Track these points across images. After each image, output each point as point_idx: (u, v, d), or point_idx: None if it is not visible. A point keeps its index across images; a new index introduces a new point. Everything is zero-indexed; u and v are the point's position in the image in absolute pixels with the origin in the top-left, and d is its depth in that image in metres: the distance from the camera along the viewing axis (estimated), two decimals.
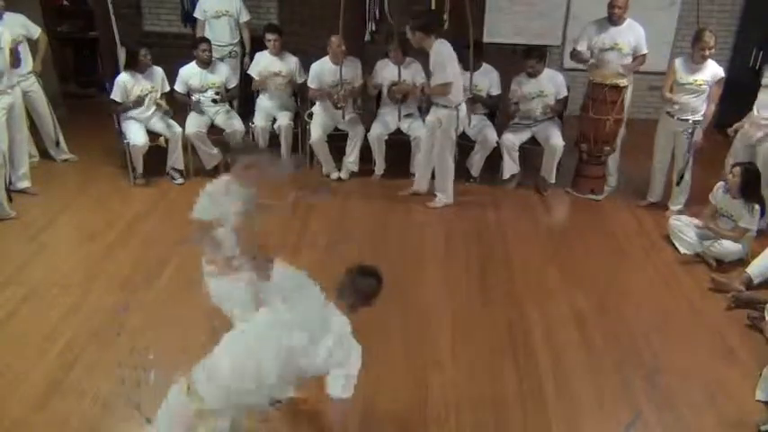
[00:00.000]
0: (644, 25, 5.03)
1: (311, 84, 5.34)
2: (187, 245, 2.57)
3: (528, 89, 5.18)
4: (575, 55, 5.24)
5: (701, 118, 4.72)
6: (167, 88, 5.27)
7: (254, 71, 5.52)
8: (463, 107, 4.78)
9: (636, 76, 5.25)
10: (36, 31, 5.23)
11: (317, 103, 5.44)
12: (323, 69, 5.29)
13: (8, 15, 4.95)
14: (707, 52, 4.55)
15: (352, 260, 4.25)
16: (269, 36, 5.39)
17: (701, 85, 4.62)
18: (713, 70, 4.62)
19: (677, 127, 4.77)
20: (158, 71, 5.20)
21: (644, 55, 5.04)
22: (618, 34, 4.99)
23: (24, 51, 5.05)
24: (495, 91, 5.37)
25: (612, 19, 4.97)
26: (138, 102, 5.05)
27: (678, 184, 4.91)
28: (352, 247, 4.32)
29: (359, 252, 4.33)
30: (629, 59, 5.02)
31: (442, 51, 4.51)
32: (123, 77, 5.04)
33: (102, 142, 5.74)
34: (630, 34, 4.98)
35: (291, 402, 2.61)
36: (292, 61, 5.52)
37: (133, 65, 5.05)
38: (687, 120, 4.72)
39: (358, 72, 5.37)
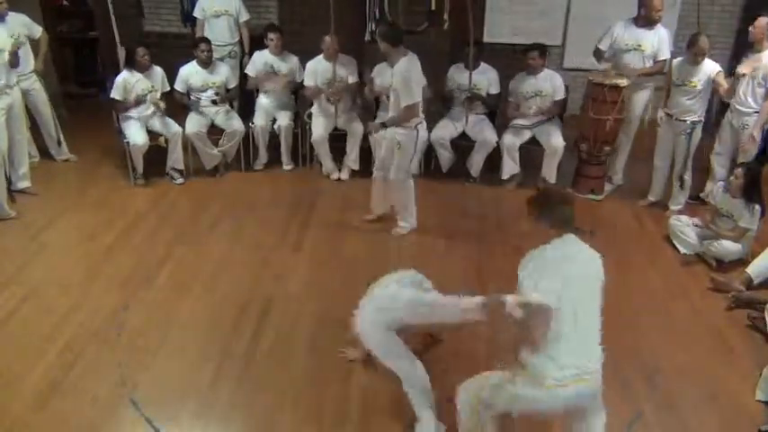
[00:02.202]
0: None
1: (307, 81, 5.36)
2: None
3: (526, 88, 5.18)
4: (596, 53, 5.23)
5: (698, 119, 4.72)
6: (167, 88, 5.28)
7: (251, 70, 5.52)
8: (423, 125, 4.39)
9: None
10: (38, 31, 5.25)
11: (315, 104, 5.45)
12: (317, 67, 5.30)
13: (11, 15, 4.97)
14: (699, 59, 4.57)
15: (352, 259, 4.26)
16: (270, 35, 5.40)
17: (695, 86, 4.62)
18: (709, 69, 4.61)
19: (676, 128, 4.78)
20: (158, 71, 5.21)
21: (664, 60, 5.03)
22: (642, 36, 4.98)
23: (25, 51, 5.06)
24: (495, 90, 5.36)
25: (647, 22, 4.94)
26: (139, 101, 5.06)
27: (681, 187, 4.91)
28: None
29: (360, 252, 4.34)
30: (649, 62, 5.02)
31: (410, 69, 4.09)
32: (124, 76, 5.06)
33: (102, 142, 5.75)
34: (655, 37, 4.98)
35: None
36: (293, 61, 5.53)
37: (131, 64, 5.06)
38: (685, 121, 4.72)
39: (352, 69, 5.36)
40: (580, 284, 2.30)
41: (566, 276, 2.26)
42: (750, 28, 4.61)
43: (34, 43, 5.24)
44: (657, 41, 4.98)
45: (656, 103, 5.09)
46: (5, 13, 4.92)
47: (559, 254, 2.33)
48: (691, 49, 4.58)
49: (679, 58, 4.80)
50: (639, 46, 4.99)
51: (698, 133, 4.75)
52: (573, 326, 2.24)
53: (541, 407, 2.30)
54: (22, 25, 5.06)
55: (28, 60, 5.13)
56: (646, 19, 4.96)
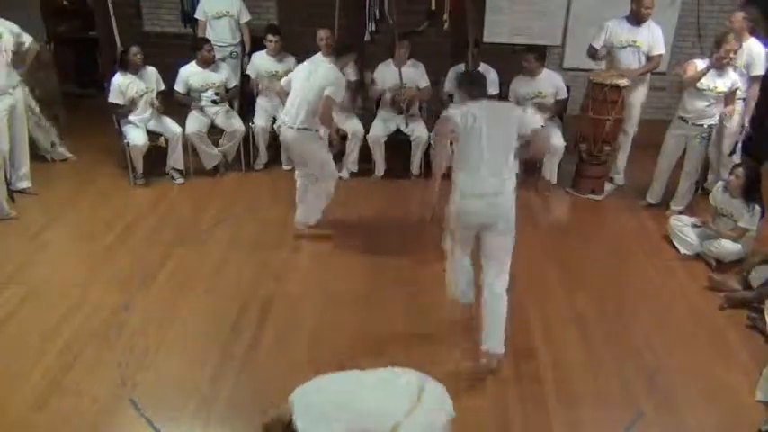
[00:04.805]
0: None
1: None
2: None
3: (526, 90, 5.17)
4: (590, 52, 5.21)
5: (715, 123, 4.69)
6: (162, 87, 5.27)
7: (251, 72, 5.52)
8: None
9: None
10: (28, 39, 4.86)
11: None
12: None
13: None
14: (732, 54, 4.43)
15: (352, 259, 4.26)
16: (270, 37, 5.40)
17: (719, 93, 4.55)
18: (732, 78, 4.55)
19: (691, 132, 4.73)
20: (152, 71, 5.20)
21: (659, 55, 5.03)
22: (636, 32, 4.98)
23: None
24: (494, 90, 5.32)
25: (637, 18, 4.94)
26: (132, 103, 5.05)
27: (697, 191, 4.89)
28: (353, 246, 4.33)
29: (360, 253, 4.34)
30: (644, 58, 5.01)
31: None
32: (117, 79, 5.04)
33: (102, 142, 5.74)
34: (648, 33, 4.98)
35: None
36: (291, 62, 5.52)
37: (124, 65, 5.05)
38: (702, 125, 4.68)
39: (353, 67, 5.32)
40: (487, 123, 3.11)
41: (472, 113, 3.12)
42: (727, 22, 4.64)
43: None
44: (651, 37, 4.98)
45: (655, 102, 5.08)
46: None
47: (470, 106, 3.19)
48: (720, 48, 4.44)
49: (701, 60, 4.64)
50: (635, 42, 4.99)
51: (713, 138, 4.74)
52: (479, 155, 3.10)
53: (461, 216, 3.25)
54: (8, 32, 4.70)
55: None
56: (636, 16, 4.96)
